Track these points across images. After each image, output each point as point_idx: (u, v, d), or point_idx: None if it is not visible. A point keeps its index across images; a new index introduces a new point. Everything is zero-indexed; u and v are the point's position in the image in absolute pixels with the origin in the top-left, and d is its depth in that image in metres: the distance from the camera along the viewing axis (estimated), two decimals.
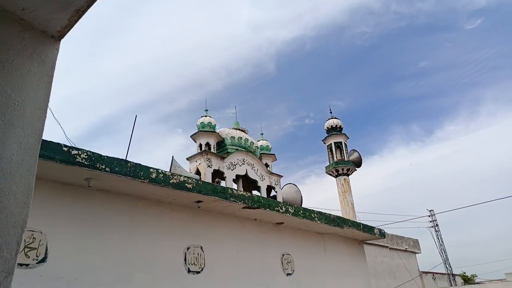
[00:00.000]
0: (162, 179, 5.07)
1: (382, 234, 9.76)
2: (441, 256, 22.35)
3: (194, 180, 5.57)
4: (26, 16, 1.13)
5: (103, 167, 4.44)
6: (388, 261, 17.24)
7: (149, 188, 5.10)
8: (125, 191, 5.12)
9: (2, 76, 1.03)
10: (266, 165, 13.55)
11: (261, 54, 65.33)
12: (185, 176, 5.53)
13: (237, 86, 72.07)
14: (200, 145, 12.19)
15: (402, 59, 69.05)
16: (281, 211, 6.88)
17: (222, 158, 11.87)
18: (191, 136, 12.65)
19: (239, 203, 6.11)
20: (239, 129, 13.53)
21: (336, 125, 22.57)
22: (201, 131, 12.46)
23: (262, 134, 15.18)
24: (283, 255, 7.37)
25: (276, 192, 13.20)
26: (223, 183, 11.50)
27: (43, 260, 4.17)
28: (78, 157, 4.25)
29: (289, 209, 7.10)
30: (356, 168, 21.36)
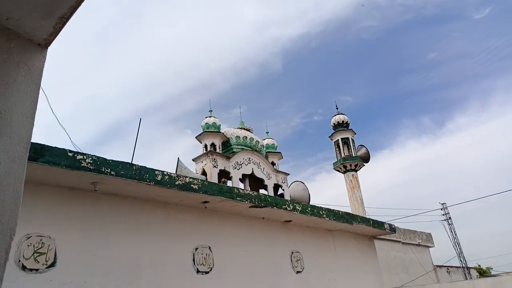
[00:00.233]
0: (167, 181, 5.09)
1: (393, 229, 9.67)
2: (455, 249, 22.06)
3: (200, 180, 5.58)
4: (12, 26, 1.15)
5: (109, 171, 4.48)
6: (401, 255, 17.09)
7: (155, 190, 5.13)
8: (131, 194, 5.17)
9: None
10: (273, 164, 13.52)
11: (267, 53, 65.28)
12: (190, 177, 5.56)
13: (244, 86, 72.16)
14: (206, 146, 12.23)
15: (411, 52, 68.30)
16: (289, 209, 6.87)
17: (228, 158, 11.88)
18: (196, 137, 12.70)
19: (246, 202, 6.11)
20: (244, 129, 13.53)
21: (343, 121, 22.43)
22: (206, 131, 12.49)
23: (267, 132, 15.19)
24: (292, 253, 7.35)
25: (283, 190, 13.18)
26: (229, 183, 11.52)
27: (53, 264, 4.23)
28: (83, 161, 4.30)
29: (297, 207, 7.08)
30: (364, 164, 21.20)
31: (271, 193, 12.57)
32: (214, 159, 11.41)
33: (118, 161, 4.63)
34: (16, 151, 1.06)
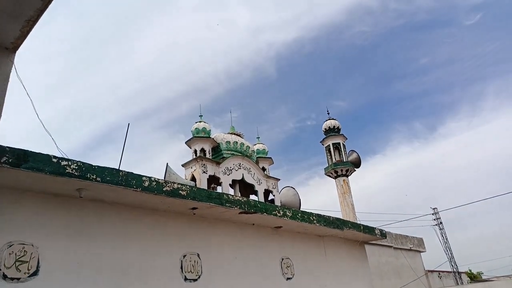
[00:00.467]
0: (155, 187, 5.02)
1: (383, 235, 9.68)
2: (446, 254, 22.22)
3: (188, 187, 5.52)
4: None
5: (94, 177, 4.40)
6: (393, 261, 17.15)
7: (142, 197, 5.06)
8: (117, 200, 5.08)
9: None
10: (263, 169, 13.48)
11: (260, 58, 65.60)
12: (179, 183, 5.49)
13: (238, 91, 72.31)
14: (195, 151, 12.13)
15: (403, 57, 69.22)
16: (279, 215, 6.83)
17: (218, 163, 11.80)
18: (186, 143, 12.60)
19: (235, 208, 6.06)
20: (234, 134, 13.48)
21: (334, 126, 22.54)
22: (195, 137, 12.40)
23: (258, 137, 15.16)
24: (282, 259, 7.30)
25: (274, 195, 13.13)
26: (219, 189, 11.44)
27: (35, 273, 4.12)
28: (68, 168, 4.22)
29: (287, 213, 7.05)
30: (355, 169, 21.29)
31: (262, 199, 12.51)
32: (204, 164, 11.32)
33: (104, 167, 4.55)
34: None
